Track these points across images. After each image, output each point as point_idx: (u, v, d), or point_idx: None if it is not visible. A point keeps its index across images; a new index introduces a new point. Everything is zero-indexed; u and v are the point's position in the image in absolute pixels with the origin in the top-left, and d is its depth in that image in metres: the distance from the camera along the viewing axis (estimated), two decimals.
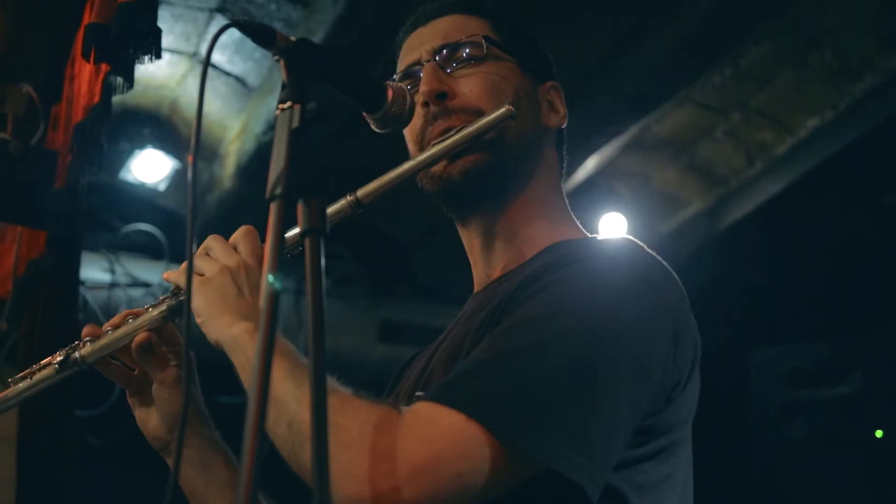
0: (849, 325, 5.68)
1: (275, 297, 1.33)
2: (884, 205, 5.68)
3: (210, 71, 4.74)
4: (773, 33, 4.96)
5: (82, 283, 4.90)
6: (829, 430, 5.37)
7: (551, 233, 1.98)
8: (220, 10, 4.77)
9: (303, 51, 1.57)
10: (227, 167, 5.54)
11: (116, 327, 1.92)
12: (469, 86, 1.97)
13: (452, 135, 1.91)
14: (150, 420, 2.02)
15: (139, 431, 2.07)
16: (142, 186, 5.88)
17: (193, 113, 5.52)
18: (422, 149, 1.96)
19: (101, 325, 1.96)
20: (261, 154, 5.14)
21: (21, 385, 1.97)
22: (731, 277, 5.99)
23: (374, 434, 1.49)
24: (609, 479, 1.58)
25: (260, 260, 1.78)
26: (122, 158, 5.72)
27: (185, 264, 1.70)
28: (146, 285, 5.55)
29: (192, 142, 1.47)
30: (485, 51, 2.00)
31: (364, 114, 1.80)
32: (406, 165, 1.92)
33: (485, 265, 2.03)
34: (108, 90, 2.92)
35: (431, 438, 1.49)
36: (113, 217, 5.77)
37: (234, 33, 1.56)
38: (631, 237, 1.81)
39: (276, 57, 1.58)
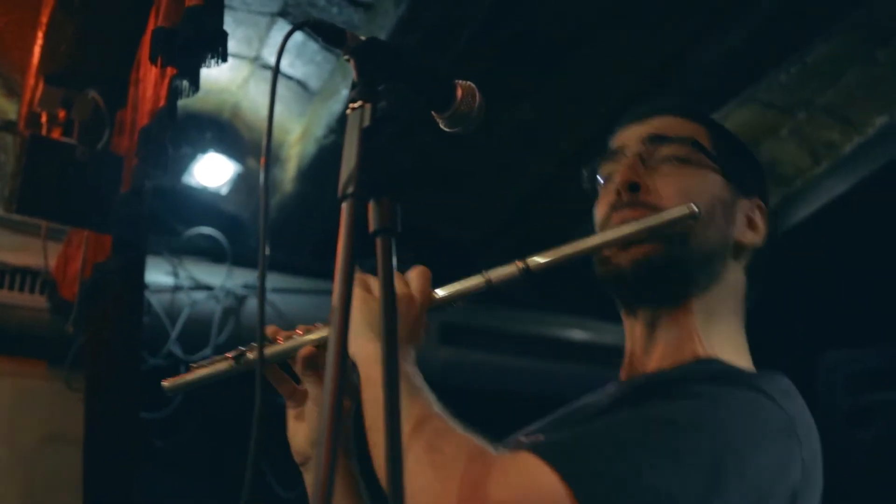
0: None
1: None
2: None
3: (271, 75, 4.77)
4: (842, 30, 4.88)
5: (146, 286, 4.93)
6: None
7: (712, 349, 1.92)
8: (282, 14, 4.78)
9: (373, 49, 1.57)
10: (289, 171, 5.55)
11: (289, 338, 1.97)
12: (664, 183, 1.95)
13: (631, 223, 1.89)
14: (297, 434, 2.04)
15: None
16: (204, 190, 5.91)
17: (255, 117, 5.59)
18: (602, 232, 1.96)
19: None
20: (322, 157, 5.15)
21: (198, 372, 2.03)
22: (796, 278, 5.91)
23: (467, 463, 1.51)
24: None
25: (426, 299, 1.84)
26: (184, 162, 5.75)
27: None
28: (209, 288, 5.57)
29: (264, 145, 1.48)
30: (691, 154, 1.98)
31: (433, 112, 1.79)
32: (581, 243, 1.90)
33: (641, 356, 1.98)
34: (173, 94, 2.94)
35: (520, 485, 1.49)
36: (176, 221, 5.80)
37: (295, 36, 1.55)
38: (789, 381, 1.79)
39: (346, 56, 1.57)
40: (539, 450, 1.55)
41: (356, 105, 1.49)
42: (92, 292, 4.19)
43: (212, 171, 5.83)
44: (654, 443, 1.57)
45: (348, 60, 1.58)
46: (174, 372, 5.59)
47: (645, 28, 4.80)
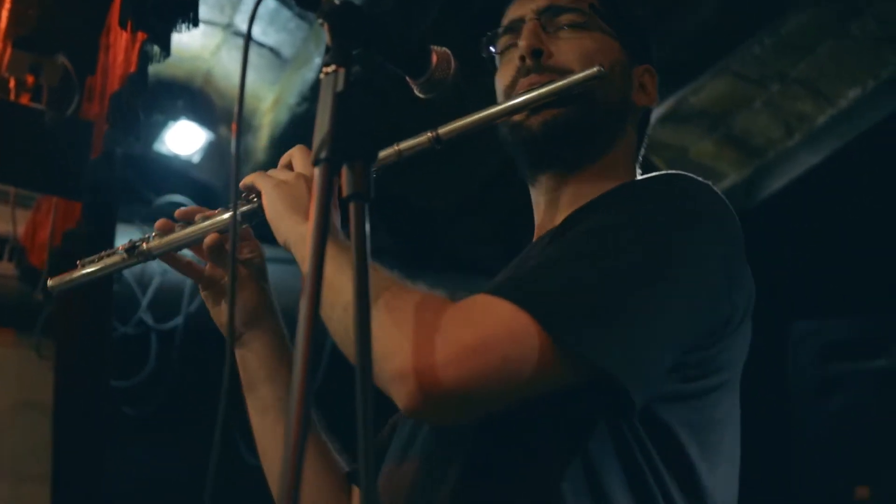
0: (888, 299, 5.61)
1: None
2: None
3: (243, 42, 4.73)
4: (815, 2, 4.89)
5: None
6: (868, 403, 5.35)
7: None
8: None
9: (347, 13, 1.55)
10: (261, 139, 5.52)
11: (187, 224, 1.98)
12: (565, 48, 2.00)
13: (539, 87, 1.94)
14: (222, 314, 2.08)
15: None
16: (175, 158, 5.87)
17: (227, 84, 5.54)
18: (509, 99, 1.99)
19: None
20: (295, 125, 5.13)
21: (89, 267, 2.01)
22: (768, 250, 5.92)
23: (428, 314, 1.54)
24: (659, 411, 1.63)
25: None
26: (155, 130, 5.71)
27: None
28: None
29: (236, 111, 1.48)
30: (587, 19, 2.03)
31: (408, 79, 1.78)
32: (490, 110, 1.96)
33: (548, 218, 2.04)
34: (144, 59, 2.91)
35: (483, 323, 1.53)
36: (147, 189, 5.76)
37: (267, 3, 1.53)
38: (685, 173, 1.85)
39: (320, 20, 1.55)
40: (495, 290, 1.58)
41: (329, 69, 1.47)
42: (61, 259, 4.15)
43: (184, 139, 5.80)
44: (593, 249, 1.64)
45: (322, 24, 1.55)
46: (145, 340, 5.60)
47: None
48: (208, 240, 1.96)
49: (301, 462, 1.20)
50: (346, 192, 1.39)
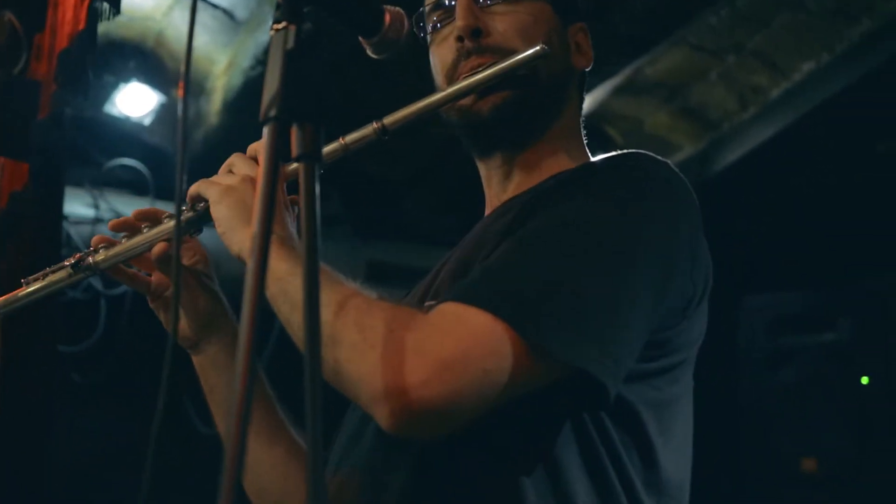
0: (838, 273, 5.67)
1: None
2: (877, 153, 5.65)
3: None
4: None
5: (66, 217, 4.83)
6: (817, 376, 5.41)
7: (570, 162, 2.00)
8: None
9: None
10: (214, 102, 5.47)
11: (131, 235, 1.95)
12: (503, 25, 1.97)
13: (484, 70, 1.91)
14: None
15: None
16: (126, 120, 5.79)
17: (180, 46, 5.46)
18: (451, 82, 1.97)
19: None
20: (248, 89, 5.08)
21: (34, 286, 1.99)
22: (721, 223, 5.94)
23: (402, 332, 1.52)
24: (622, 391, 1.62)
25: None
26: (106, 92, 5.63)
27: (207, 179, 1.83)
28: None
29: (182, 71, 1.43)
30: None
31: (360, 39, 1.75)
32: (435, 96, 1.94)
33: (499, 191, 2.03)
34: (93, 17, 2.86)
35: (459, 336, 1.52)
36: (97, 152, 5.68)
37: None
38: (647, 152, 1.85)
39: None
40: (462, 296, 1.57)
41: (280, 26, 1.43)
42: (8, 222, 4.08)
43: (135, 101, 5.72)
44: (558, 242, 1.64)
45: None
46: (94, 305, 5.53)
47: None
48: (157, 249, 1.92)
49: (245, 431, 1.18)
50: (295, 152, 1.36)
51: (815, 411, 5.34)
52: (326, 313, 1.52)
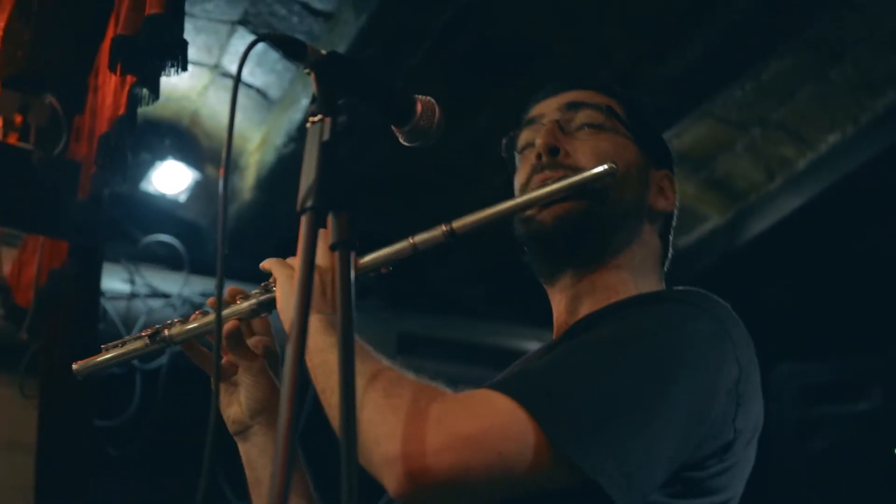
0: (868, 342, 5.65)
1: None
2: None
3: (230, 83, 4.77)
4: (796, 48, 4.95)
5: (102, 293, 4.90)
6: (848, 446, 5.36)
7: (638, 291, 2.00)
8: (243, 22, 4.79)
9: (333, 64, 1.59)
10: (247, 179, 5.55)
11: (206, 314, 2.01)
12: (582, 147, 2.02)
13: (553, 182, 1.95)
14: (231, 405, 2.06)
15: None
16: (162, 198, 5.89)
17: (214, 124, 5.58)
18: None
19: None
20: (281, 166, 5.15)
21: (112, 352, 2.06)
22: (749, 293, 5.97)
23: (427, 402, 1.54)
24: None
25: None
26: (142, 169, 5.73)
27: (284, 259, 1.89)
28: (166, 296, 5.55)
29: (224, 155, 1.50)
30: (606, 120, 2.05)
31: (393, 127, 1.81)
32: (504, 204, 1.96)
33: (567, 317, 2.03)
34: (133, 102, 2.93)
35: (481, 415, 1.53)
36: (133, 228, 5.77)
37: (256, 46, 1.56)
38: (707, 292, 1.84)
39: (307, 70, 1.59)
40: (496, 385, 1.59)
41: (316, 119, 1.51)
42: (47, 299, 4.16)
43: (170, 179, 5.81)
44: (602, 359, 1.63)
45: (308, 74, 1.59)
46: (130, 380, 5.58)
47: (601, 44, 4.84)
48: (228, 326, 1.97)
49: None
50: (331, 240, 1.41)
51: (846, 481, 5.30)
52: (359, 381, 1.53)
